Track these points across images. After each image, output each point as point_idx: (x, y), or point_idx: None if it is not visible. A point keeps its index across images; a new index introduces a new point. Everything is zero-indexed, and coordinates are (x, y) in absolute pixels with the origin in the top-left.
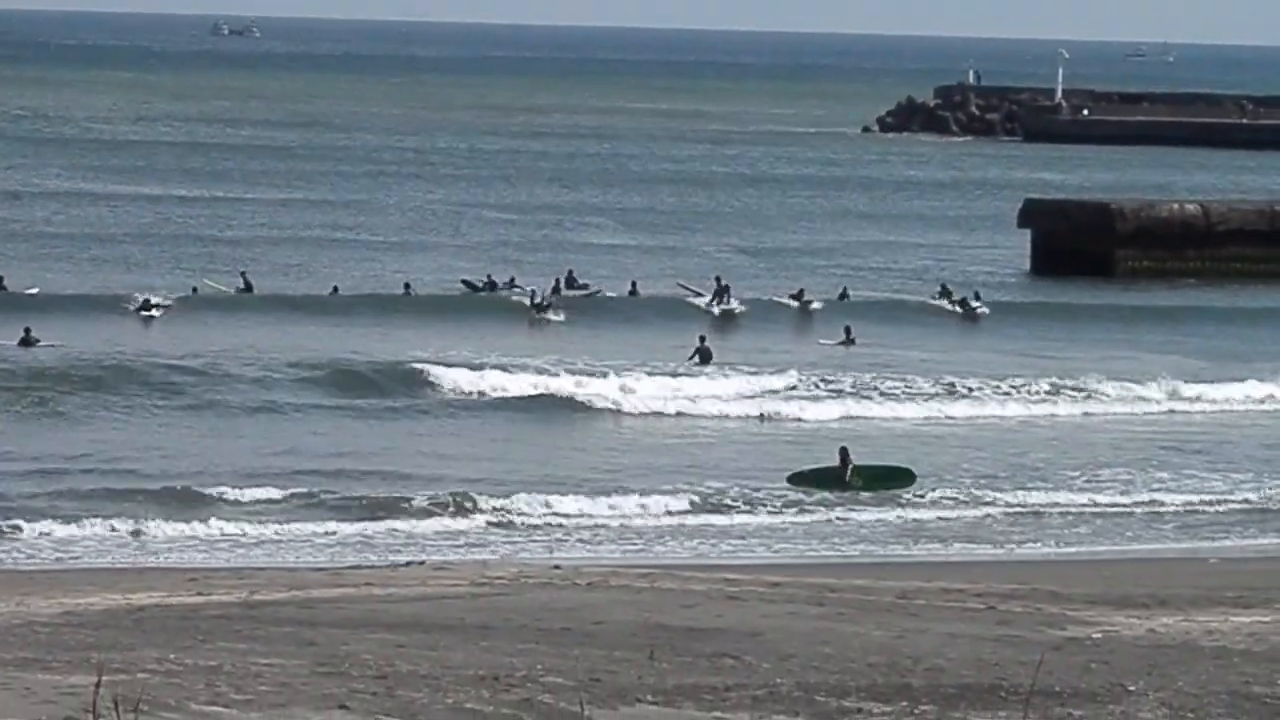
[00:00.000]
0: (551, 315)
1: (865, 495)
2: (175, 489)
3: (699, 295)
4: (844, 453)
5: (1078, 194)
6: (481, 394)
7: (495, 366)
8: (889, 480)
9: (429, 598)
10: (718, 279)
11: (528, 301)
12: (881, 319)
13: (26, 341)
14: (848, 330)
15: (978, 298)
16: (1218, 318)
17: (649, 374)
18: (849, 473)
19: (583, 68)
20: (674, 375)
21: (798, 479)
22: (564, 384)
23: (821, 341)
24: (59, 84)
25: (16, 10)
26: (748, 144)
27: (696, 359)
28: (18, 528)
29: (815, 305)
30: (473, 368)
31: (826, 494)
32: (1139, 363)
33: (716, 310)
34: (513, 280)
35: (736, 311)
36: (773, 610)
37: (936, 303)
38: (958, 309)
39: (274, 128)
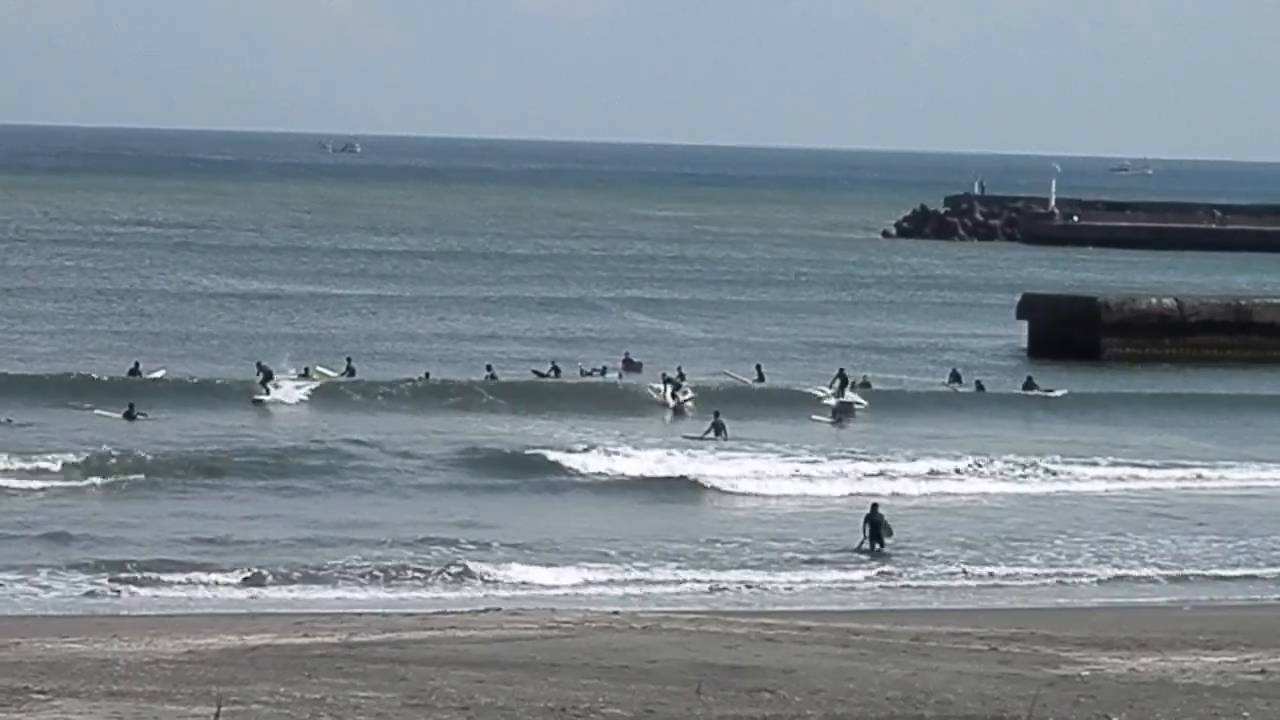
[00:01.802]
0: (679, 398)
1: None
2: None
3: (742, 380)
4: (874, 507)
5: (1069, 289)
6: (601, 473)
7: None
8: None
9: (505, 639)
10: (841, 371)
11: (661, 388)
12: (904, 403)
13: (130, 415)
14: (836, 415)
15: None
16: (1199, 404)
17: (750, 456)
18: (870, 522)
19: (619, 179)
20: (785, 457)
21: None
22: (691, 466)
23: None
24: (189, 193)
25: (147, 129)
26: (777, 245)
27: (712, 433)
28: (152, 579)
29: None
30: (594, 450)
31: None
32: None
33: (834, 401)
34: (605, 369)
35: (856, 406)
36: (804, 651)
37: (948, 387)
38: (971, 388)
39: (365, 232)
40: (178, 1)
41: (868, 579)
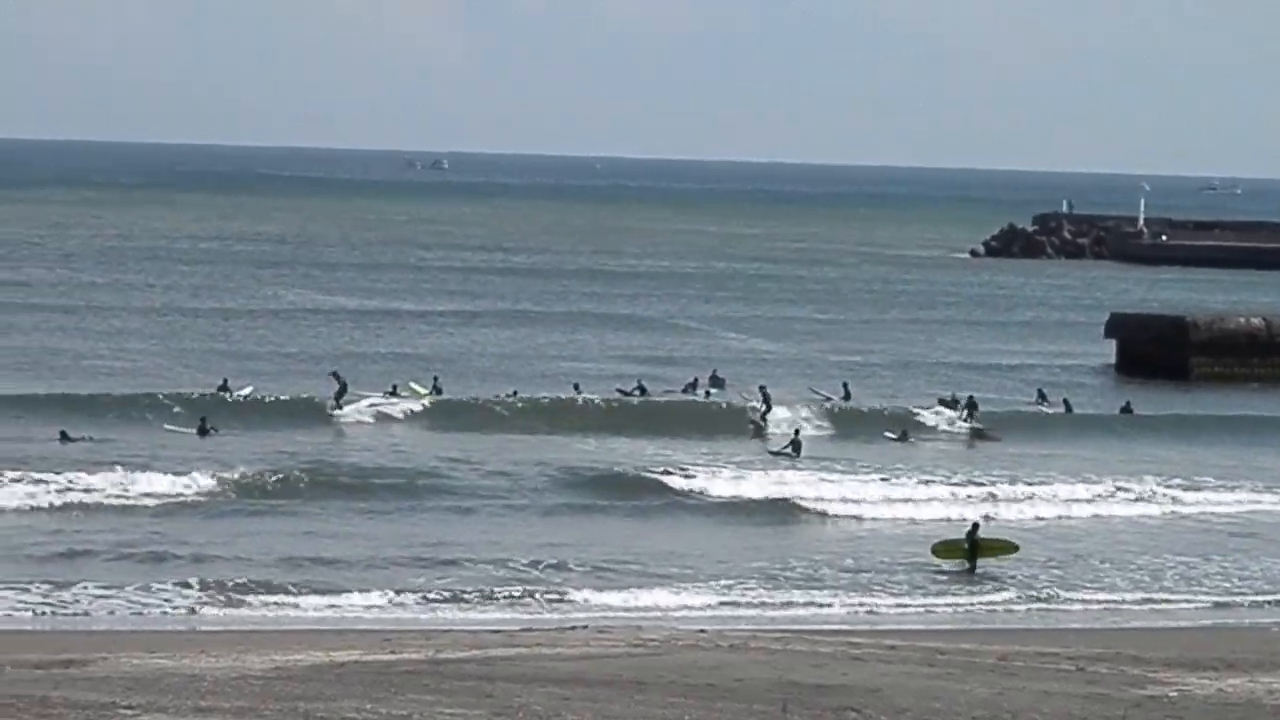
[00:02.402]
0: (765, 420)
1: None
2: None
3: (829, 398)
4: (974, 527)
5: (1157, 309)
6: (693, 492)
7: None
8: (1000, 550)
9: (591, 656)
10: (961, 397)
11: (755, 405)
12: (996, 423)
13: (203, 430)
14: (904, 434)
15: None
16: None
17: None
18: (969, 543)
19: (700, 196)
20: (882, 479)
21: (940, 550)
22: (787, 487)
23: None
24: (278, 210)
25: (238, 146)
26: (864, 263)
27: (790, 450)
28: (239, 596)
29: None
30: (686, 469)
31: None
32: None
33: (956, 426)
34: (716, 374)
35: (986, 432)
36: (890, 670)
37: (1034, 406)
38: (1060, 408)
39: (453, 249)
40: (263, 22)
41: (957, 599)
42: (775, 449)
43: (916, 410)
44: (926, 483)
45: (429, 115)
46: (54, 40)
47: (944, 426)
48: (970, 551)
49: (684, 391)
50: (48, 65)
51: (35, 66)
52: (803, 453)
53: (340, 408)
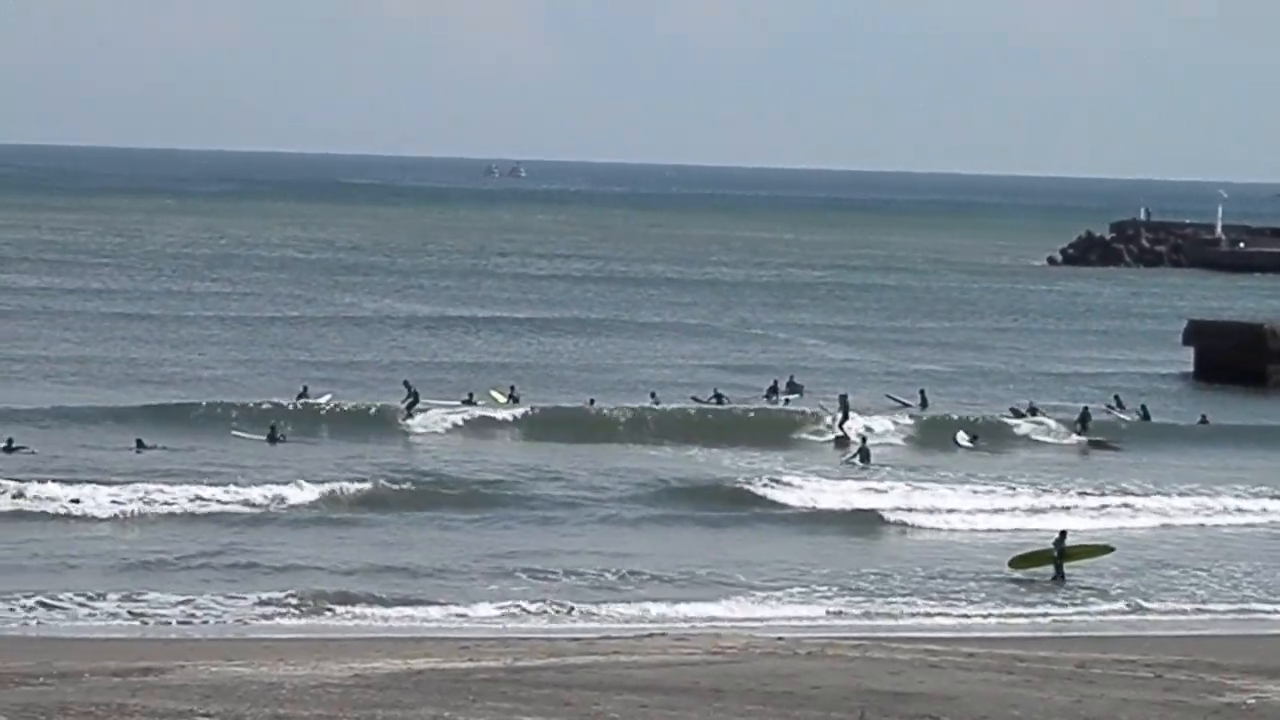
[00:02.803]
0: (842, 428)
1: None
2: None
3: (906, 405)
4: (1061, 535)
5: (1235, 316)
6: (779, 502)
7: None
8: (1092, 553)
9: (669, 664)
10: (1037, 405)
11: (833, 413)
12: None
13: (273, 438)
14: (974, 438)
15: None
16: None
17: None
18: (1058, 550)
19: (773, 204)
20: (966, 489)
21: (1017, 563)
22: (870, 497)
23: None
24: (355, 217)
25: (319, 154)
26: (940, 271)
27: (857, 458)
28: (321, 608)
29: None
30: (764, 477)
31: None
32: None
33: (1071, 439)
34: (793, 380)
35: (1107, 442)
36: (968, 677)
37: (1110, 414)
38: (1136, 416)
39: (530, 257)
40: (344, 33)
41: (1035, 607)
42: (845, 457)
43: (995, 418)
44: (1009, 492)
45: (507, 124)
46: (139, 46)
47: (1034, 436)
48: (1058, 559)
49: (764, 397)
50: (123, 71)
51: (111, 73)
52: (871, 460)
53: (411, 417)
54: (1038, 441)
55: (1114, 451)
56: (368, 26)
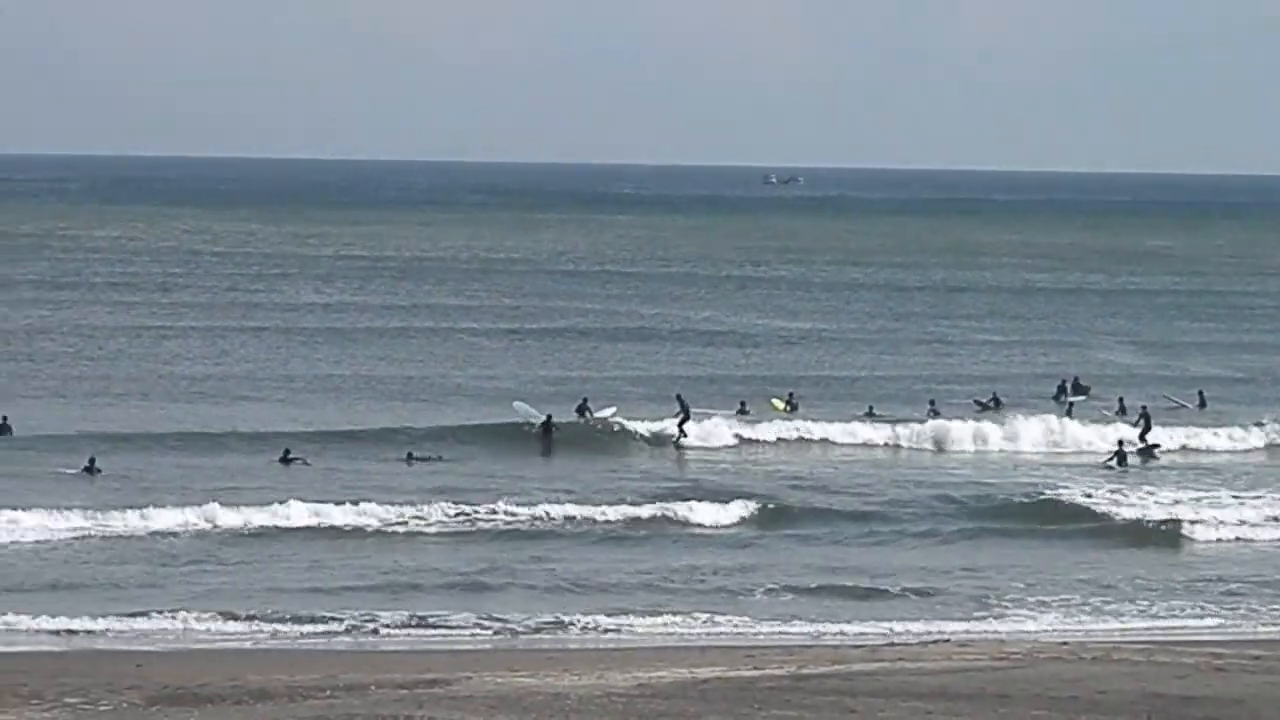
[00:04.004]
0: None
1: None
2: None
3: (1183, 406)
4: None
5: None
6: (1060, 508)
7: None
8: None
9: (954, 670)
10: None
11: (1111, 416)
12: None
13: (546, 429)
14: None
15: None
16: None
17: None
18: None
19: (1021, 208)
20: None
21: None
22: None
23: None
24: (628, 226)
25: (604, 165)
26: (1224, 274)
27: (1114, 461)
28: (603, 618)
29: None
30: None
31: None
32: None
33: None
34: (1079, 382)
35: None
36: (1254, 681)
37: None
38: None
39: (807, 266)
40: (628, 48)
41: None
42: (1104, 461)
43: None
44: None
45: (786, 132)
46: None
47: None
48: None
49: (1053, 398)
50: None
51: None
52: (1128, 464)
53: (685, 434)
54: None
55: None
56: (654, 40)
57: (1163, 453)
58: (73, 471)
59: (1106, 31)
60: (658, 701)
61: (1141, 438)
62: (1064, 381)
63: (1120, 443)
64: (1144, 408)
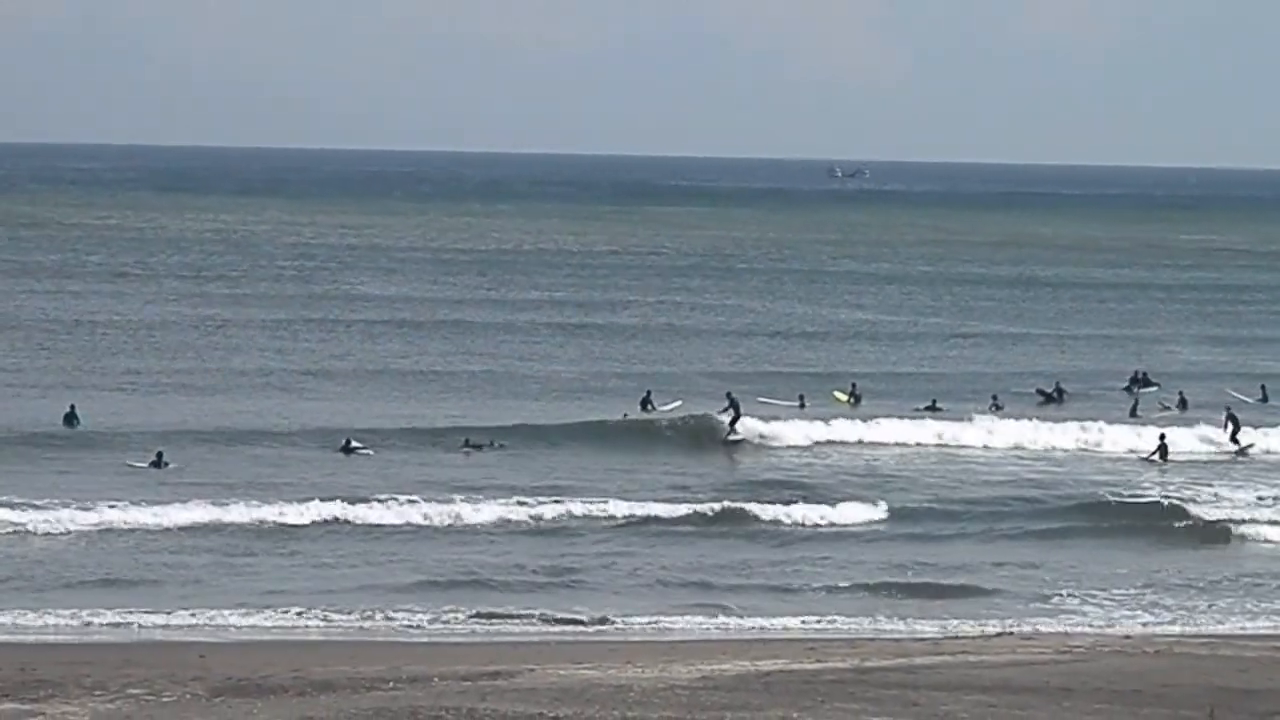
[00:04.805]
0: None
1: None
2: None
3: (1245, 401)
4: None
5: None
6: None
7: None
8: None
9: (1017, 663)
10: None
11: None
12: None
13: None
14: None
15: None
16: None
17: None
18: None
19: (1080, 202)
20: None
21: None
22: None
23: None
24: (694, 219)
25: (673, 157)
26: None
27: (1157, 456)
28: (666, 611)
29: None
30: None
31: None
32: None
33: None
34: (1148, 376)
35: None
36: None
37: None
38: None
39: (874, 261)
40: (704, 47)
41: None
42: (1145, 454)
43: None
44: None
45: (854, 126)
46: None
47: None
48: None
49: (1124, 389)
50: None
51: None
52: (1169, 458)
53: (735, 432)
54: None
55: None
56: (727, 38)
57: (1255, 451)
58: (141, 465)
59: (1163, 24)
60: (720, 694)
61: (1233, 439)
62: (1136, 372)
63: (1162, 436)
64: (1228, 409)
